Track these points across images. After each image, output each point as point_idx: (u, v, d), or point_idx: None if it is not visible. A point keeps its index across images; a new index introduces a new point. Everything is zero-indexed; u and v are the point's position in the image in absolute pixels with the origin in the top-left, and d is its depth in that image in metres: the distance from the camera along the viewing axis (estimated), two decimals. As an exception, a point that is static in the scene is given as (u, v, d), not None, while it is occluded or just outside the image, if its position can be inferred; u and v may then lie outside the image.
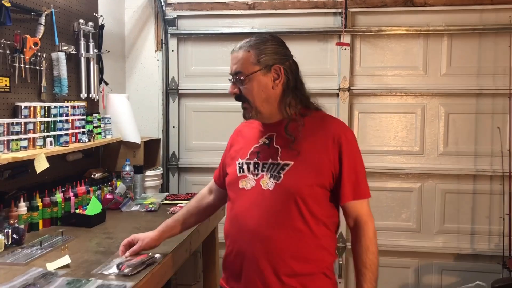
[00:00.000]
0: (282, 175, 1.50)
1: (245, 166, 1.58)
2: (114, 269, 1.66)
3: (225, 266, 1.63)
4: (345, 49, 3.34)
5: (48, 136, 2.32)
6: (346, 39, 3.33)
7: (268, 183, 1.51)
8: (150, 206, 2.70)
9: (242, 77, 1.53)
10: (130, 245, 1.80)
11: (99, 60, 3.01)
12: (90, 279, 1.59)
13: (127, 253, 1.77)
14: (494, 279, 2.89)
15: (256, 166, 1.56)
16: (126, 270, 1.65)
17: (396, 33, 3.34)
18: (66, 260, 1.75)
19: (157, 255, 1.81)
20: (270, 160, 1.54)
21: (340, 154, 1.51)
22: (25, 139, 2.17)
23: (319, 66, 3.44)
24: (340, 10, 3.33)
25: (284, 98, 1.56)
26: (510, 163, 3.12)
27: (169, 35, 3.57)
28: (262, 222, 1.48)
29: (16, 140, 2.11)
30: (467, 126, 3.33)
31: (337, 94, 3.40)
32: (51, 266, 1.70)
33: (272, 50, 1.56)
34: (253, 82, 1.53)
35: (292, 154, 1.51)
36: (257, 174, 1.54)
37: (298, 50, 3.39)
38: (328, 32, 3.40)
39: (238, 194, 1.57)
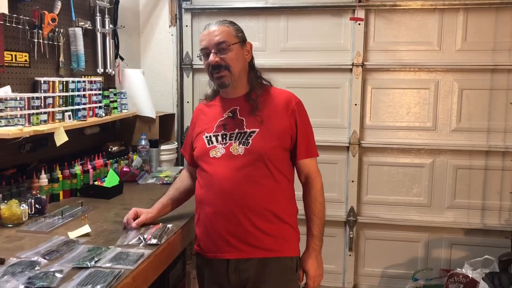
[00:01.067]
0: (250, 141, 1.72)
1: (213, 138, 1.78)
2: (138, 240, 1.73)
3: (202, 229, 1.78)
4: (359, 24, 3.33)
5: (66, 111, 2.39)
6: (360, 13, 3.30)
7: (238, 148, 1.72)
8: (166, 179, 2.78)
9: (227, 46, 1.73)
10: (135, 218, 1.90)
11: (115, 35, 3.04)
12: (109, 247, 1.67)
13: (134, 224, 1.86)
14: (503, 253, 2.93)
15: (224, 136, 1.76)
16: (154, 241, 1.72)
17: (411, 8, 3.31)
18: (86, 229, 1.83)
19: (169, 225, 1.89)
20: (237, 130, 1.75)
21: (296, 120, 1.78)
22: (45, 113, 2.23)
23: (333, 41, 3.44)
24: (354, -16, 3.31)
25: (250, 71, 1.84)
26: (523, 139, 3.13)
27: (183, 10, 3.58)
28: (237, 182, 1.69)
29: (37, 114, 2.18)
30: (481, 102, 3.32)
31: (351, 70, 3.40)
32: (72, 235, 1.79)
33: (241, 30, 1.82)
34: (234, 52, 1.75)
35: (256, 122, 1.74)
36: (225, 143, 1.75)
37: (312, 25, 3.46)
38: (342, 7, 3.38)
39: (209, 163, 1.75)
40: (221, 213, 1.70)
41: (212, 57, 1.73)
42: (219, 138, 1.76)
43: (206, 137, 1.79)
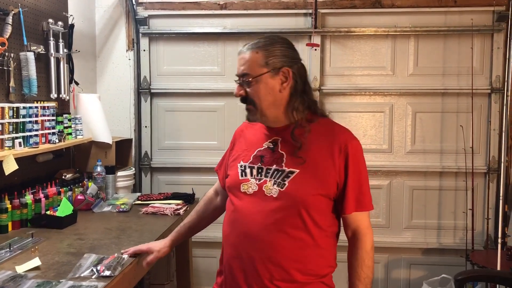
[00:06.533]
0: (286, 183, 1.47)
1: (247, 170, 1.55)
2: (90, 272, 1.66)
3: (221, 270, 1.61)
4: (315, 49, 3.40)
5: (17, 137, 2.29)
6: (316, 39, 3.38)
7: (271, 189, 1.48)
8: (122, 206, 2.70)
9: (249, 79, 1.50)
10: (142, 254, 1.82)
11: (69, 60, 2.98)
12: (60, 280, 1.59)
13: (144, 263, 1.78)
14: (458, 272, 2.99)
15: (260, 170, 1.53)
16: (107, 272, 1.65)
17: (365, 34, 3.42)
18: (36, 262, 1.74)
19: (125, 256, 1.83)
20: (275, 166, 1.51)
21: (346, 164, 1.49)
22: (-7, 140, 2.14)
23: (290, 66, 3.49)
24: (310, 11, 3.39)
25: (291, 102, 1.53)
26: (473, 160, 3.24)
27: (140, 34, 3.55)
28: (264, 228, 1.46)
29: (-16, 141, 2.09)
30: (433, 124, 3.44)
31: (308, 94, 3.45)
32: (20, 269, 1.69)
33: (281, 52, 1.52)
34: (260, 84, 1.50)
35: (298, 161, 1.48)
36: (260, 179, 1.52)
37: (269, 50, 3.48)
38: (298, 33, 3.45)
39: (239, 197, 1.54)
40: (241, 259, 1.49)
41: (236, 89, 1.53)
42: (254, 172, 1.53)
43: (241, 166, 1.57)
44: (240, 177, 1.55)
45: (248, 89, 1.51)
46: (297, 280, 1.46)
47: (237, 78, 1.55)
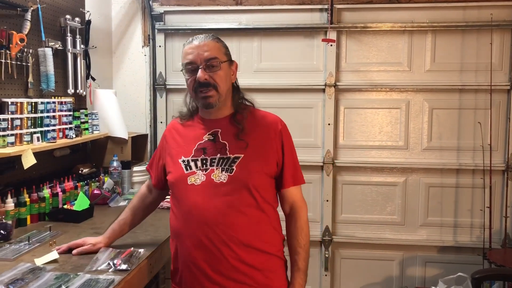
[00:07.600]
0: (234, 168, 1.60)
1: (192, 163, 1.64)
2: (107, 265, 1.68)
3: (176, 268, 1.67)
4: (331, 45, 3.38)
5: (35, 132, 2.33)
6: (332, 35, 3.36)
7: (220, 176, 1.59)
8: (138, 201, 2.72)
9: (218, 63, 1.62)
10: (78, 247, 1.84)
11: (86, 55, 3.01)
12: (78, 273, 1.61)
13: (74, 251, 1.81)
14: (475, 270, 2.96)
15: (204, 162, 1.63)
16: (123, 266, 1.67)
17: (381, 29, 3.38)
18: (54, 255, 1.77)
19: (141, 250, 1.85)
20: (219, 155, 1.62)
21: (282, 145, 1.67)
22: (12, 135, 2.17)
23: (306, 62, 3.48)
24: (326, 6, 3.36)
25: (234, 92, 1.73)
26: (491, 157, 3.19)
27: (156, 30, 3.57)
28: (220, 211, 1.56)
29: (3, 136, 2.11)
30: (450, 121, 3.40)
31: (324, 90, 3.44)
32: (39, 261, 1.72)
33: (228, 48, 1.73)
34: (223, 70, 1.65)
35: (241, 147, 1.62)
36: (206, 170, 1.62)
37: (285, 46, 3.50)
38: (314, 28, 3.43)
39: (187, 190, 1.62)
40: (203, 247, 1.57)
41: (201, 73, 1.60)
42: (199, 164, 1.63)
43: (184, 161, 1.65)
44: (186, 171, 1.64)
45: (212, 74, 1.62)
46: (260, 249, 1.60)
47: (195, 66, 1.63)
